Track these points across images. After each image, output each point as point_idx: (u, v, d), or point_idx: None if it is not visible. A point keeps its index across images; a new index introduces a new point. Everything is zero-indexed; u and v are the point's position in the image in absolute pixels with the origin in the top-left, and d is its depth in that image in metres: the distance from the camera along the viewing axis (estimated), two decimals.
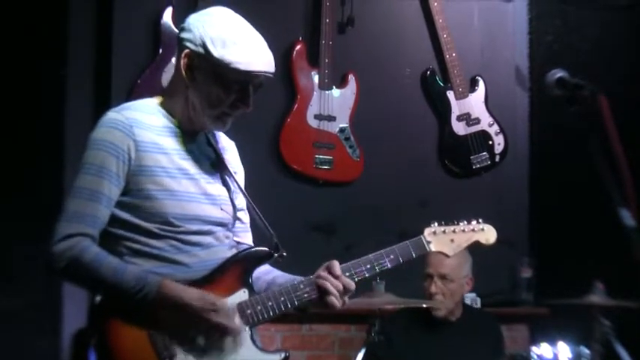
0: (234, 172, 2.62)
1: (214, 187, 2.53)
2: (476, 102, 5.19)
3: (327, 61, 4.82)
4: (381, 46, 5.12)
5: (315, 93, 4.83)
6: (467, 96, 5.16)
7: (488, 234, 2.76)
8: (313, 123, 4.82)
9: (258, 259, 2.54)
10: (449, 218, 2.75)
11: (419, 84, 5.15)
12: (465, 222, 2.75)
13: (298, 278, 2.52)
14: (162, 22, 4.45)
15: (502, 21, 5.41)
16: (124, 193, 2.40)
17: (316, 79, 4.83)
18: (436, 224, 2.70)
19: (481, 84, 5.21)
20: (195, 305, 2.34)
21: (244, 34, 2.43)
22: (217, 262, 2.47)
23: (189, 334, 2.37)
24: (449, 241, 2.70)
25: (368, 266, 2.56)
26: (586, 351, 3.95)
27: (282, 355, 2.49)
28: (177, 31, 2.60)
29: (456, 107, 5.14)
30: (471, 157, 5.18)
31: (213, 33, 2.40)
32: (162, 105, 2.51)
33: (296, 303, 2.48)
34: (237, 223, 2.63)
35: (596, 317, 4.04)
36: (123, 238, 2.41)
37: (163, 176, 2.42)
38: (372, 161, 4.96)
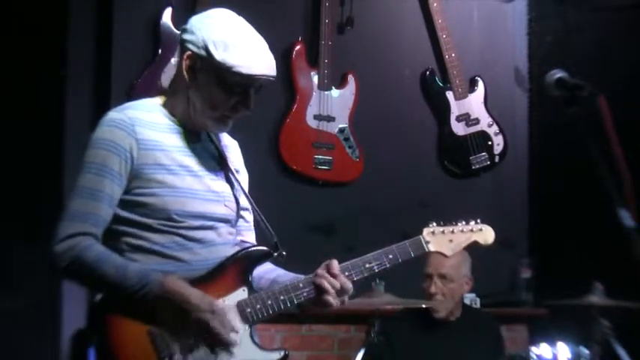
0: (237, 171, 2.62)
1: (218, 184, 2.53)
2: (475, 102, 5.19)
3: (326, 61, 4.82)
4: (381, 47, 5.13)
5: (314, 93, 4.83)
6: (466, 96, 5.16)
7: (486, 234, 2.76)
8: (313, 123, 4.82)
9: (257, 258, 2.54)
10: (448, 218, 2.75)
11: (418, 84, 5.16)
12: (464, 222, 2.75)
13: (301, 277, 2.52)
14: (161, 22, 4.44)
15: (502, 21, 5.42)
16: (126, 192, 2.40)
17: (315, 79, 4.83)
18: (435, 224, 2.70)
19: (480, 84, 5.21)
20: (193, 303, 2.34)
21: (246, 37, 2.44)
22: (218, 260, 2.47)
23: (188, 332, 2.37)
24: (447, 241, 2.70)
25: (367, 266, 2.56)
26: (585, 351, 3.95)
27: (282, 353, 2.50)
28: (176, 31, 2.61)
29: (456, 107, 5.15)
30: (471, 158, 5.18)
31: (215, 36, 2.40)
32: (164, 105, 2.52)
33: (295, 302, 2.48)
34: (241, 222, 2.63)
35: (596, 318, 4.03)
36: (124, 234, 2.41)
37: (166, 174, 2.42)
38: (372, 161, 4.96)
